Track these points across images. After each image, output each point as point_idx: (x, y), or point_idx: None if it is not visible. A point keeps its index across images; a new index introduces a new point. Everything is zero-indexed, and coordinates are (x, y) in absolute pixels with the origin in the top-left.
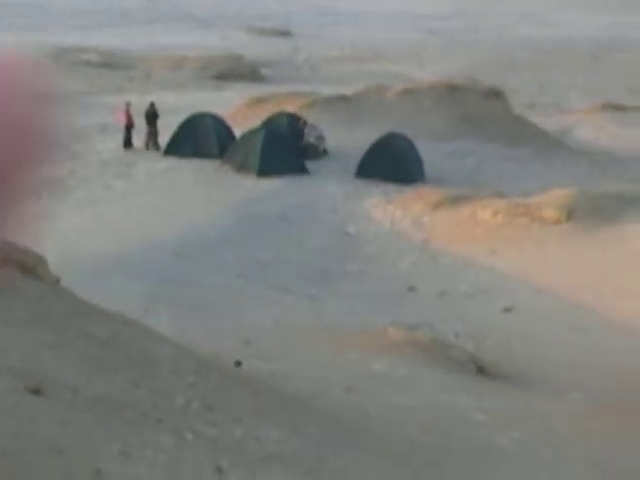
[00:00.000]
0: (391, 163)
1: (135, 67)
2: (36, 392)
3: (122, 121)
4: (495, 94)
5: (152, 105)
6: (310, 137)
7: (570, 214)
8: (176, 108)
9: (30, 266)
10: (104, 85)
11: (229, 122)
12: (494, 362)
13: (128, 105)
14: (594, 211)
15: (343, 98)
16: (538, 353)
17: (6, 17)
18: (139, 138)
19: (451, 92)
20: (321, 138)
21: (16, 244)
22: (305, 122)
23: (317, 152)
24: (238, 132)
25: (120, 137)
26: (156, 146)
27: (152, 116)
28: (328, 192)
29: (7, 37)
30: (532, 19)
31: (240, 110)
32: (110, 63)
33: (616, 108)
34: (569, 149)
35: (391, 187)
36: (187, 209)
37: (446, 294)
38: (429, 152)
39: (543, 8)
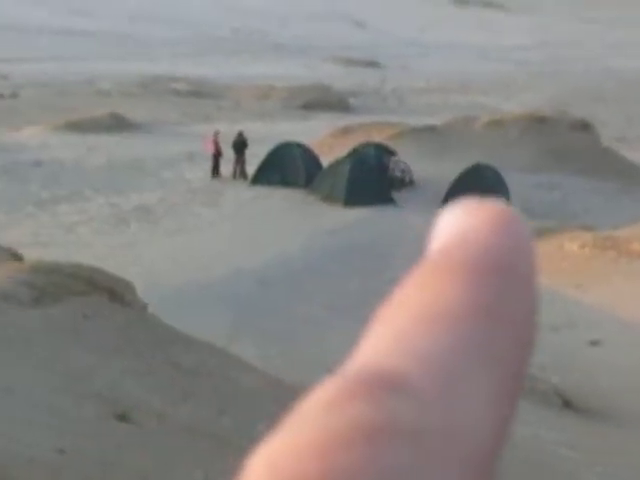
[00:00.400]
0: (478, 194)
1: (223, 96)
2: (122, 419)
3: (210, 150)
4: (583, 126)
5: (241, 134)
6: (396, 171)
7: None
8: (263, 137)
9: (119, 293)
10: (193, 114)
11: (316, 152)
12: (580, 396)
13: (216, 134)
14: None
15: (430, 129)
16: (625, 387)
17: (97, 46)
18: (227, 167)
19: (538, 124)
20: (406, 171)
21: (105, 270)
22: (393, 154)
23: (403, 184)
24: (325, 162)
25: (208, 165)
26: (243, 175)
27: (241, 145)
28: (414, 223)
29: (98, 65)
30: (620, 51)
31: (327, 140)
32: (199, 92)
33: None
34: None
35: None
36: (273, 238)
37: None
38: (516, 184)
39: (631, 40)
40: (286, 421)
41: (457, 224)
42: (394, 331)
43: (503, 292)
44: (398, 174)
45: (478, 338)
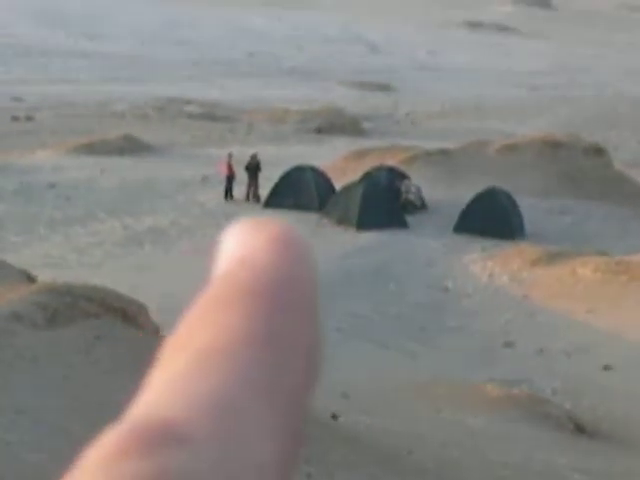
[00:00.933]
0: (491, 218)
1: (237, 119)
2: None
3: (224, 172)
4: (596, 151)
5: (254, 157)
6: (407, 194)
7: None
8: (277, 160)
9: (131, 314)
10: (206, 137)
11: (329, 175)
12: (592, 421)
13: (230, 156)
14: None
15: (444, 153)
16: (638, 412)
17: (112, 69)
18: (240, 189)
19: (552, 148)
20: (417, 195)
21: (118, 292)
22: (406, 178)
23: (415, 208)
24: (338, 185)
25: (221, 188)
26: (257, 198)
27: (254, 168)
28: (427, 246)
29: (113, 88)
30: (633, 76)
31: (340, 163)
32: (212, 115)
33: None
34: None
35: (490, 242)
36: None
37: (544, 351)
38: (529, 208)
39: None
40: (65, 478)
41: (237, 246)
42: (172, 374)
43: (281, 319)
44: (410, 197)
45: (255, 371)
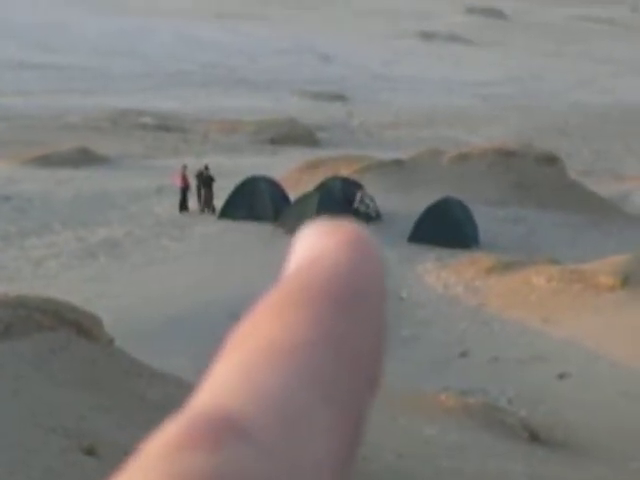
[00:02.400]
0: (445, 228)
1: (191, 130)
2: (89, 452)
3: (178, 183)
4: (550, 160)
5: (207, 168)
6: (359, 205)
7: (625, 281)
8: (231, 171)
9: (86, 327)
10: (160, 148)
11: (283, 186)
12: (547, 429)
13: (184, 168)
14: None
15: (397, 163)
16: (592, 420)
17: (66, 80)
18: (195, 201)
19: (505, 157)
20: (370, 205)
21: (72, 305)
22: (360, 188)
23: (369, 218)
24: (292, 196)
25: (176, 199)
26: (211, 209)
27: (207, 179)
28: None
29: (66, 100)
30: (587, 85)
31: (294, 174)
32: (166, 126)
33: None
34: (625, 216)
35: (444, 252)
36: (241, 272)
37: (499, 360)
38: (483, 217)
39: (598, 74)
40: (127, 466)
41: (310, 247)
42: (237, 366)
43: (349, 322)
44: (362, 208)
45: (323, 372)
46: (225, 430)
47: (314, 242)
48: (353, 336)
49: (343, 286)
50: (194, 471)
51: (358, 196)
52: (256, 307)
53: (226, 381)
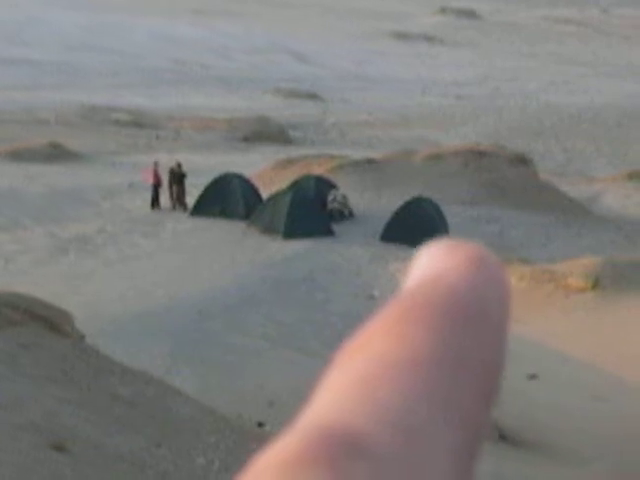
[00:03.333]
0: (417, 227)
1: (163, 127)
2: (59, 449)
3: (150, 180)
4: (521, 160)
5: (179, 166)
6: (332, 204)
7: (596, 282)
8: (204, 169)
9: (56, 322)
10: (132, 144)
11: (256, 184)
12: (516, 429)
13: (156, 164)
14: (619, 279)
15: (370, 162)
16: (561, 421)
17: (38, 75)
18: (166, 197)
19: (477, 158)
20: (343, 204)
21: (43, 300)
22: (333, 187)
23: (342, 216)
24: (265, 194)
25: (148, 196)
26: (183, 206)
27: (179, 176)
28: (353, 255)
29: (38, 95)
30: (559, 86)
31: (267, 172)
32: (139, 122)
33: None
34: (595, 217)
35: (416, 251)
36: (213, 269)
37: None
38: (455, 217)
39: (569, 75)
40: None
41: (432, 264)
42: (353, 379)
43: (472, 340)
44: (335, 206)
45: (442, 389)
46: (343, 445)
47: (436, 260)
48: (472, 354)
49: (463, 304)
50: None
51: (331, 195)
52: (371, 321)
53: (341, 394)
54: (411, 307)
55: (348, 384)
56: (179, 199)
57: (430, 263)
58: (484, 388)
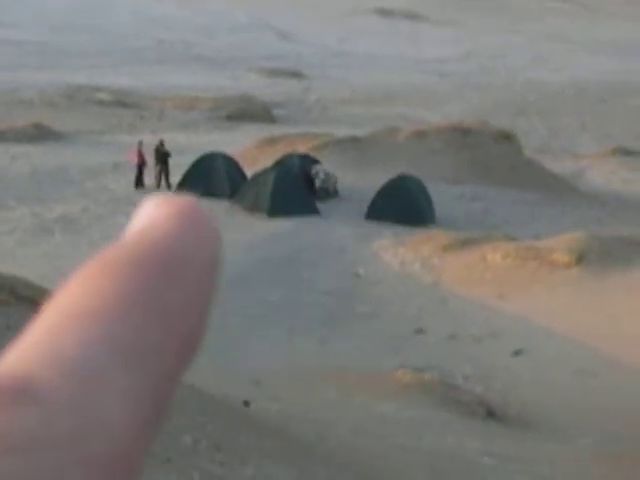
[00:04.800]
0: (401, 205)
1: (147, 107)
2: None
3: (134, 160)
4: (506, 137)
5: (162, 144)
6: (315, 178)
7: (580, 258)
8: (188, 148)
9: (41, 303)
10: (116, 124)
11: (240, 162)
12: (503, 405)
13: (140, 144)
14: (604, 255)
15: (354, 140)
16: (547, 397)
17: (21, 56)
18: (151, 177)
19: (462, 135)
20: (327, 181)
21: (28, 281)
22: (317, 164)
23: (327, 194)
24: (249, 172)
25: (132, 176)
26: (168, 185)
27: (164, 155)
28: (338, 233)
29: (21, 75)
30: (543, 63)
31: (251, 150)
32: (122, 102)
33: (627, 153)
34: (580, 193)
35: (401, 229)
36: None
37: (455, 337)
38: (439, 194)
39: (553, 52)
40: None
41: (142, 219)
42: (39, 331)
43: (163, 291)
44: (318, 183)
45: (124, 337)
46: (11, 392)
47: (147, 214)
48: (167, 305)
49: (162, 252)
50: None
51: (313, 171)
52: (72, 275)
53: (25, 346)
54: (110, 260)
55: (34, 336)
56: (164, 178)
57: (141, 218)
58: (176, 343)
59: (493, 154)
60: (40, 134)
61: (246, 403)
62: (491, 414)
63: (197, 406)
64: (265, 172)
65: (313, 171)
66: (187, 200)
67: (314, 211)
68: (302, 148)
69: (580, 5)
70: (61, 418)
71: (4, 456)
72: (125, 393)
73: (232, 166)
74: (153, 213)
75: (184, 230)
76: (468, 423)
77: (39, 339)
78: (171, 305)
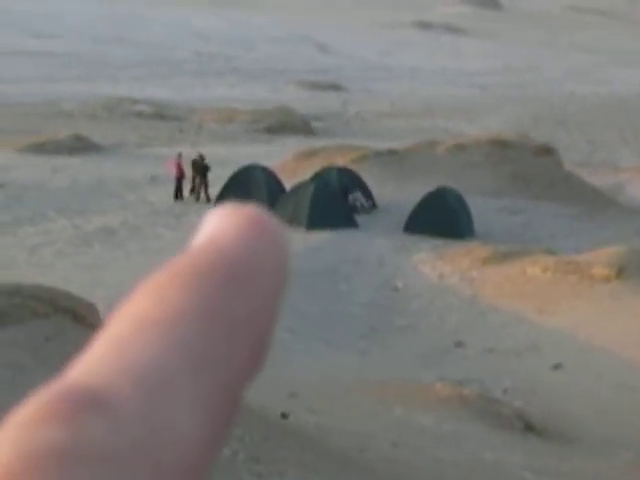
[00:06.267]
0: (441, 218)
1: (186, 119)
2: None
3: (173, 172)
4: (546, 151)
5: (202, 157)
6: (356, 202)
7: (620, 271)
8: (227, 160)
9: (81, 314)
10: (155, 136)
11: (279, 175)
12: (542, 419)
13: (179, 156)
14: None
15: (393, 153)
16: (587, 411)
17: (61, 67)
18: (189, 188)
19: (501, 148)
20: (365, 204)
21: (67, 292)
22: (357, 178)
23: (363, 210)
24: (288, 185)
25: (171, 188)
26: (207, 197)
27: (203, 168)
28: (376, 246)
29: (61, 87)
30: (581, 75)
31: (290, 163)
32: (161, 114)
33: None
34: (621, 207)
35: (440, 242)
36: None
37: (494, 350)
38: (479, 208)
39: (592, 64)
40: None
41: (210, 228)
42: (108, 341)
43: (233, 301)
44: (358, 205)
45: (194, 345)
46: (82, 403)
47: (214, 224)
48: (236, 316)
49: (230, 262)
50: (42, 446)
51: (351, 198)
52: (139, 286)
53: (95, 356)
54: (178, 271)
55: (102, 345)
56: (204, 191)
57: (209, 227)
58: (245, 353)
59: (533, 167)
60: (80, 146)
61: (284, 415)
62: (530, 428)
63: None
64: (304, 185)
65: (351, 199)
66: (255, 209)
67: (353, 224)
68: (341, 161)
69: (616, 18)
70: (131, 428)
71: (75, 466)
72: (194, 403)
73: (271, 178)
74: (220, 222)
75: (252, 239)
76: (507, 437)
77: (108, 349)
78: (239, 315)
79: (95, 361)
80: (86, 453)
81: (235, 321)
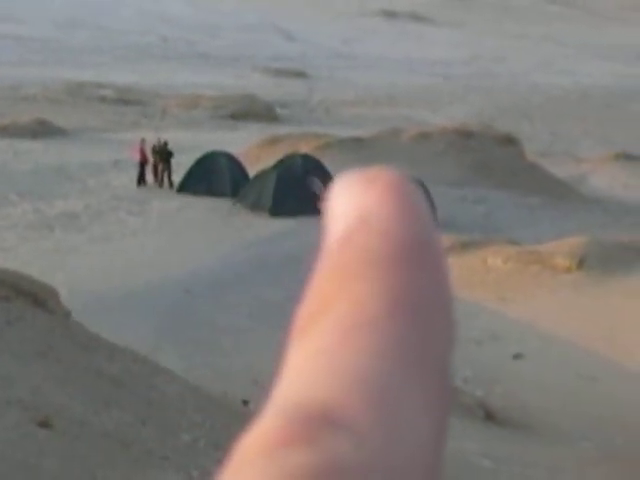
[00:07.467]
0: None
1: (150, 104)
2: (44, 425)
3: (136, 158)
4: (509, 141)
5: (165, 143)
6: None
7: (581, 262)
8: (190, 146)
9: (42, 299)
10: (119, 121)
11: (243, 161)
12: (503, 409)
13: (142, 142)
14: (606, 260)
15: (357, 140)
16: (547, 400)
17: (23, 52)
18: (152, 175)
19: (465, 138)
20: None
21: (29, 276)
22: (320, 165)
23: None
24: (252, 172)
25: (134, 173)
26: (170, 183)
27: (166, 154)
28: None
29: (25, 71)
30: (547, 67)
31: (254, 150)
32: (126, 99)
33: (629, 158)
34: (582, 198)
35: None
36: (199, 247)
37: (456, 339)
38: (441, 197)
39: (558, 56)
40: (227, 466)
41: (353, 203)
42: (313, 350)
43: (419, 285)
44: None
45: (403, 345)
46: (319, 421)
47: (355, 199)
48: (427, 299)
49: (404, 245)
50: (296, 469)
51: (309, 181)
52: (315, 279)
53: (308, 368)
54: (349, 258)
55: (311, 357)
56: (167, 176)
57: (348, 200)
58: (446, 333)
59: (496, 157)
60: (43, 130)
61: (245, 402)
62: (491, 417)
63: (196, 404)
64: (267, 171)
65: (310, 184)
66: (391, 176)
67: (316, 211)
68: (305, 148)
69: (584, 10)
70: (374, 441)
71: None
72: (425, 402)
73: (234, 165)
74: (361, 197)
75: (405, 213)
76: (468, 425)
77: (314, 356)
78: (430, 302)
79: (310, 373)
80: (339, 472)
81: (429, 309)
